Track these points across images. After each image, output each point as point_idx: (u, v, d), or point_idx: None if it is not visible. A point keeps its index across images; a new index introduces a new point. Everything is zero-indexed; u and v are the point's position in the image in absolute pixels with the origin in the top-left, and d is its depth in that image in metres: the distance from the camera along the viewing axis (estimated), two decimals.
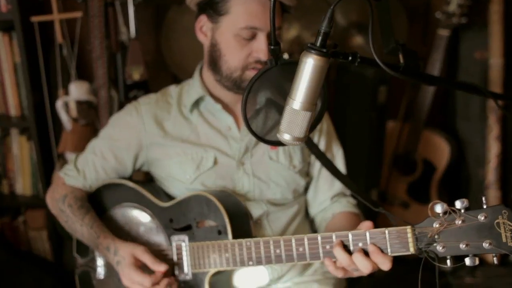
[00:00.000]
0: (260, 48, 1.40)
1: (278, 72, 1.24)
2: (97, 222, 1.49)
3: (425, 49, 2.68)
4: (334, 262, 1.24)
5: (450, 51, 2.61)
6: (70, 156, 2.25)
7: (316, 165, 1.61)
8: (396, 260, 1.23)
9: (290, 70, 1.21)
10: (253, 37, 1.40)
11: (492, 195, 2.62)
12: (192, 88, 1.57)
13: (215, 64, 1.47)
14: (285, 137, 1.17)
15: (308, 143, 1.50)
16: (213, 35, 1.46)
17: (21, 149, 2.45)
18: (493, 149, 2.60)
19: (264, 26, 1.38)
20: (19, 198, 2.52)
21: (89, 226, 1.48)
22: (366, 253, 1.21)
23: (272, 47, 1.22)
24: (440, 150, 2.61)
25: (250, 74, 1.43)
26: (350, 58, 1.16)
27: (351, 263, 1.21)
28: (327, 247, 1.24)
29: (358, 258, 1.20)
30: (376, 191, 2.57)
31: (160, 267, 1.36)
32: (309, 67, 1.12)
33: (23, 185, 2.50)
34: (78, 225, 1.50)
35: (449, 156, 2.59)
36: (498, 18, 2.53)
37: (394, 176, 2.73)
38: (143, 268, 1.37)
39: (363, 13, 2.62)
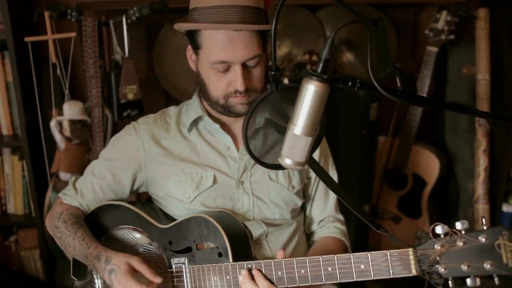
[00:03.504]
0: (235, 80, 1.42)
1: (278, 96, 1.27)
2: (89, 236, 1.49)
3: (414, 65, 2.73)
4: None
5: (439, 66, 2.66)
6: (63, 175, 2.24)
7: (313, 187, 1.64)
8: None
9: (290, 93, 1.24)
10: (228, 69, 1.42)
11: (481, 209, 2.66)
12: (191, 108, 1.58)
13: (203, 92, 1.50)
14: (287, 161, 1.18)
15: (310, 162, 1.51)
16: (197, 66, 1.49)
17: (12, 169, 2.44)
18: (482, 162, 2.64)
19: (235, 59, 1.39)
20: (10, 218, 2.50)
21: (81, 239, 1.48)
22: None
23: (272, 72, 1.25)
24: (430, 165, 2.65)
25: (234, 101, 1.45)
26: (350, 83, 1.19)
27: None
28: (329, 269, 1.26)
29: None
30: (369, 207, 2.60)
31: (157, 278, 1.36)
32: (310, 93, 1.13)
33: (14, 204, 2.49)
34: (71, 239, 1.50)
35: (439, 171, 2.63)
36: (484, 35, 2.59)
37: (385, 191, 2.76)
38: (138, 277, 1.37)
39: (352, 30, 2.66)
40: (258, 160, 1.28)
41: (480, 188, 2.65)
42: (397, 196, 2.73)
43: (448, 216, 2.81)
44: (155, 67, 2.58)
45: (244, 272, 1.34)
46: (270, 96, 1.26)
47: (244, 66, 1.41)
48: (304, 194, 1.65)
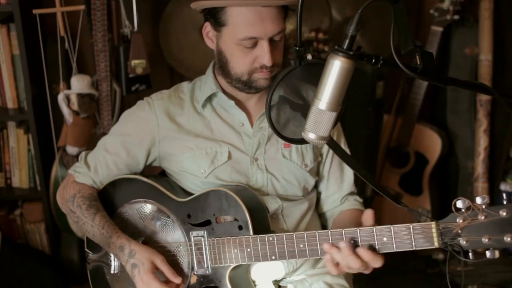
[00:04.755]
0: (263, 55, 1.42)
1: (301, 71, 1.28)
2: (108, 222, 1.50)
3: None
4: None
5: (442, 46, 2.68)
6: (71, 149, 2.25)
7: (326, 165, 1.65)
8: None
9: (312, 69, 1.26)
10: (255, 44, 1.42)
11: (480, 187, 2.71)
12: (205, 84, 1.58)
13: (223, 69, 1.50)
14: (310, 136, 1.20)
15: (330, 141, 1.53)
16: (218, 43, 1.48)
17: (18, 142, 2.43)
18: (482, 142, 2.69)
19: (264, 34, 1.39)
20: (15, 191, 2.50)
21: (100, 227, 1.49)
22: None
23: (297, 48, 1.26)
24: (433, 143, 2.68)
25: (258, 76, 1.46)
26: (373, 60, 1.21)
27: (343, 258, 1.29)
28: (352, 241, 1.29)
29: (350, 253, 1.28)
30: None
31: (177, 279, 1.42)
32: (336, 69, 1.15)
33: (19, 178, 2.49)
34: (89, 226, 1.51)
35: (441, 149, 2.67)
36: (488, 15, 2.61)
37: (387, 168, 2.79)
38: (159, 275, 1.41)
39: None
40: (280, 135, 1.30)
41: (480, 167, 2.70)
42: (399, 173, 2.77)
43: (447, 194, 2.86)
44: (161, 42, 2.56)
45: (343, 244, 1.29)
46: (293, 71, 1.28)
47: (270, 41, 1.41)
48: (318, 172, 1.67)
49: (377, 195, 2.81)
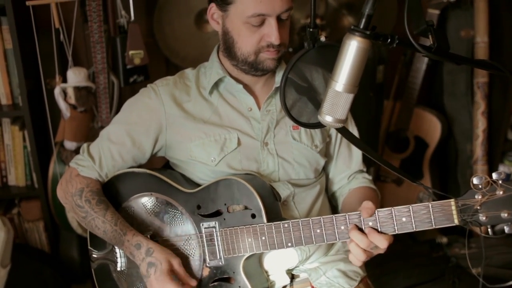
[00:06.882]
0: (271, 33, 1.41)
1: (315, 54, 1.27)
2: (120, 219, 1.47)
3: None
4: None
5: (438, 29, 2.67)
6: (69, 144, 2.20)
7: (336, 145, 1.64)
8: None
9: (318, 52, 1.26)
10: (262, 22, 1.40)
11: (480, 170, 2.72)
12: (211, 70, 1.55)
13: (230, 50, 1.48)
14: (327, 119, 1.19)
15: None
16: (224, 23, 1.46)
17: (13, 139, 2.37)
18: (480, 124, 2.69)
19: (272, 11, 1.38)
20: (12, 190, 2.44)
21: (112, 223, 1.46)
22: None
23: (311, 29, 1.24)
24: (432, 127, 2.68)
25: (264, 56, 1.45)
26: (389, 40, 1.19)
27: (370, 243, 1.27)
28: (370, 223, 1.28)
29: (374, 235, 1.26)
30: (374, 169, 2.62)
31: (192, 282, 1.41)
32: (352, 49, 1.13)
33: (15, 176, 2.43)
34: (100, 222, 1.47)
35: (440, 132, 2.67)
36: None
37: (386, 154, 2.78)
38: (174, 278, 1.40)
39: None
40: (296, 120, 1.29)
41: (479, 150, 2.70)
42: (399, 159, 2.76)
43: (446, 177, 2.86)
44: (155, 31, 2.51)
45: (350, 227, 1.30)
46: (307, 53, 1.26)
47: (277, 19, 1.39)
48: (326, 153, 1.65)
49: (378, 181, 2.80)
